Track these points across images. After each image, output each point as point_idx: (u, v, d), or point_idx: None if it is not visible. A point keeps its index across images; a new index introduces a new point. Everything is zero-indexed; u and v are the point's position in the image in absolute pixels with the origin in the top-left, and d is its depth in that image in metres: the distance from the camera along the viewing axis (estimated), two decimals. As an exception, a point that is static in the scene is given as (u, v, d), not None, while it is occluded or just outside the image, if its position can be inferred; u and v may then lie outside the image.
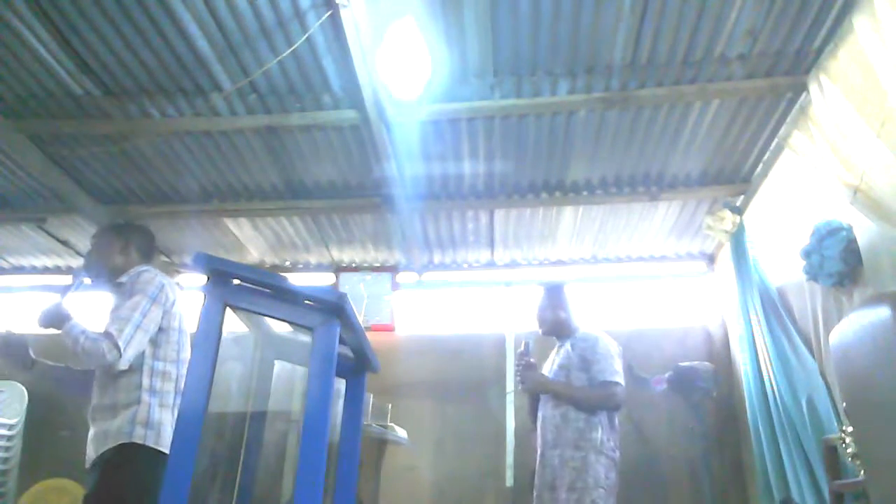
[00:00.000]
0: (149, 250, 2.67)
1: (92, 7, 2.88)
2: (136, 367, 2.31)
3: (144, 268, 2.51)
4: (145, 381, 2.30)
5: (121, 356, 2.22)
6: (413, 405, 4.72)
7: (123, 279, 2.48)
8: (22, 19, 2.95)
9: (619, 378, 2.97)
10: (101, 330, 2.28)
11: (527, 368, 3.12)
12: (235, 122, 3.62)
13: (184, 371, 2.37)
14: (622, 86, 3.35)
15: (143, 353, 2.32)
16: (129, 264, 2.56)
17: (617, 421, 3.04)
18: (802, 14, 2.90)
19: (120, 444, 2.21)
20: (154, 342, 2.36)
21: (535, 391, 3.15)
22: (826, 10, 2.87)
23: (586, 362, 3.01)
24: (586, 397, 2.97)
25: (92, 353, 2.21)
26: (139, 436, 2.22)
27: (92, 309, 3.34)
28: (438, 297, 5.46)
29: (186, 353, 2.43)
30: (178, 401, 2.29)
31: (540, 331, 3.28)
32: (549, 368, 3.19)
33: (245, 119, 3.61)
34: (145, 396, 2.28)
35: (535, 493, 3.03)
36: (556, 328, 3.22)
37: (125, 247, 2.59)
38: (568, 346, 3.13)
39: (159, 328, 2.38)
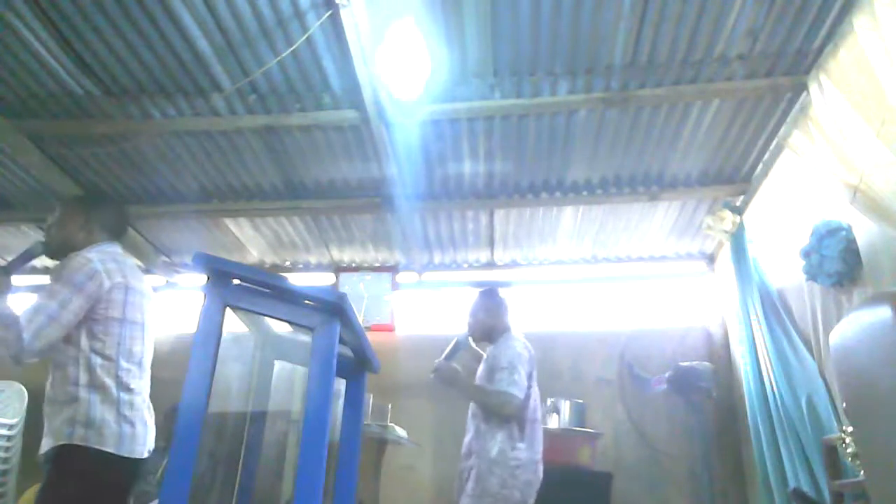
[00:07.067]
0: (115, 227, 2.37)
1: (92, 7, 2.88)
2: (72, 359, 2.06)
3: (87, 250, 2.19)
4: (83, 377, 2.04)
5: (23, 348, 1.95)
6: (413, 405, 4.71)
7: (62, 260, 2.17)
8: (22, 19, 2.95)
9: (516, 390, 2.86)
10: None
11: (447, 360, 3.12)
12: (235, 122, 3.62)
13: (126, 365, 2.13)
14: (622, 86, 3.35)
15: (79, 345, 2.07)
16: (91, 242, 2.25)
17: (531, 427, 2.93)
18: (802, 14, 2.90)
19: (60, 445, 2.00)
20: (91, 334, 2.08)
21: (444, 381, 3.05)
22: (826, 10, 2.87)
23: (491, 373, 2.97)
24: (482, 397, 2.95)
25: (2, 341, 1.98)
26: (79, 436, 1.99)
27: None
28: (438, 297, 5.46)
29: (138, 347, 2.19)
30: (123, 397, 2.09)
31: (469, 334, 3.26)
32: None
33: (245, 119, 3.61)
34: (83, 393, 2.03)
35: None
36: (480, 332, 3.21)
37: (87, 222, 2.29)
38: (486, 354, 3.14)
39: (95, 318, 2.09)
